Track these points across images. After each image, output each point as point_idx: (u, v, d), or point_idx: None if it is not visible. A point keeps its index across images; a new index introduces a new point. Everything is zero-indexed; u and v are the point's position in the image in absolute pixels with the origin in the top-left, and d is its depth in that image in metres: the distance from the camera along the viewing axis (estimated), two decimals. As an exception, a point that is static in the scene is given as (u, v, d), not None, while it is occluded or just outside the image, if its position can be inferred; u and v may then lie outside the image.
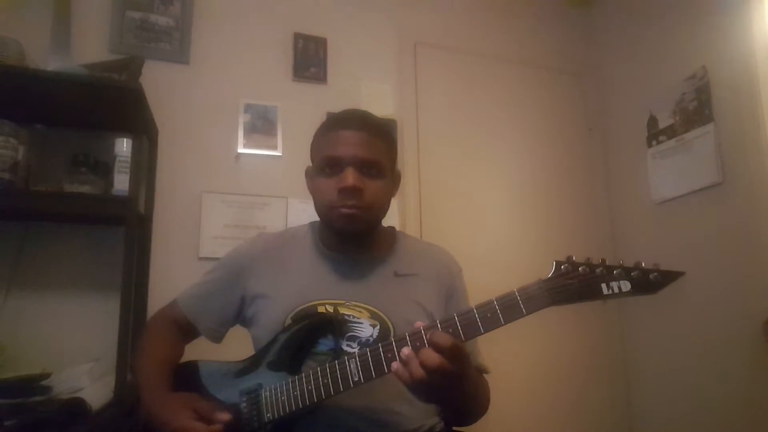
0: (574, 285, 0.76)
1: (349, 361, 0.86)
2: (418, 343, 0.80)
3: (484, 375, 1.09)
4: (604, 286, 0.75)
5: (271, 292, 1.05)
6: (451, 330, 0.80)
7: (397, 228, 1.18)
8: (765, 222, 1.79)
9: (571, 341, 2.30)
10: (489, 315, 0.79)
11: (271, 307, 1.04)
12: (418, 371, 0.76)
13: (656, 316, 2.18)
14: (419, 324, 0.83)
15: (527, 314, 0.78)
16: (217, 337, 1.12)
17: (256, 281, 1.08)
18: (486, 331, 0.80)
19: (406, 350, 0.79)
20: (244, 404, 0.96)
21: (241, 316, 1.11)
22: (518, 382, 2.14)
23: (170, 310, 1.15)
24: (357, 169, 0.98)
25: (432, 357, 0.76)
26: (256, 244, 1.14)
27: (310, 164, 1.09)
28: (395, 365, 0.79)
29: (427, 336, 0.79)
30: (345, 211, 0.98)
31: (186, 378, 1.03)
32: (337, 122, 1.02)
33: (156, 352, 1.08)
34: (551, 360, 2.26)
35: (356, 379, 0.86)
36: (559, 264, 0.77)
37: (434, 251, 1.17)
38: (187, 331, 1.13)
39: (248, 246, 1.14)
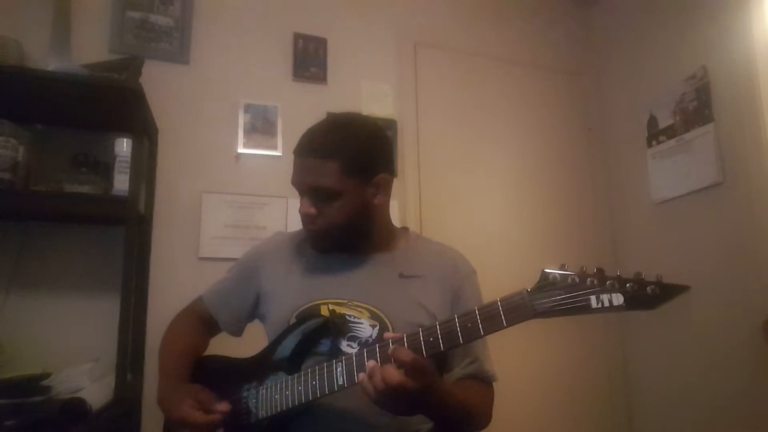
0: (560, 297, 0.71)
1: (336, 365, 0.87)
2: (385, 355, 0.80)
3: (492, 383, 1.07)
4: (593, 298, 0.69)
5: (279, 290, 1.09)
6: (431, 338, 0.79)
7: (397, 227, 1.18)
8: (765, 222, 1.79)
9: (570, 340, 2.30)
10: (469, 325, 0.77)
11: (278, 305, 1.07)
12: (380, 385, 0.76)
13: (656, 315, 2.17)
14: (387, 335, 0.84)
15: (508, 326, 0.75)
16: (235, 331, 1.18)
17: (267, 279, 1.12)
18: (465, 342, 0.78)
19: (371, 363, 0.80)
20: (244, 400, 0.99)
21: (256, 313, 1.15)
22: (516, 386, 2.13)
23: (196, 305, 1.22)
24: (310, 195, 1.01)
25: (392, 374, 0.76)
26: (271, 242, 1.20)
27: None
28: (362, 376, 0.80)
29: (390, 351, 0.79)
30: (306, 233, 1.07)
31: (202, 371, 1.09)
32: (296, 146, 1.05)
33: (177, 343, 1.14)
34: (549, 363, 2.26)
35: (341, 382, 0.86)
36: (546, 273, 0.72)
37: (445, 253, 1.15)
38: (210, 325, 1.19)
39: (264, 244, 1.20)
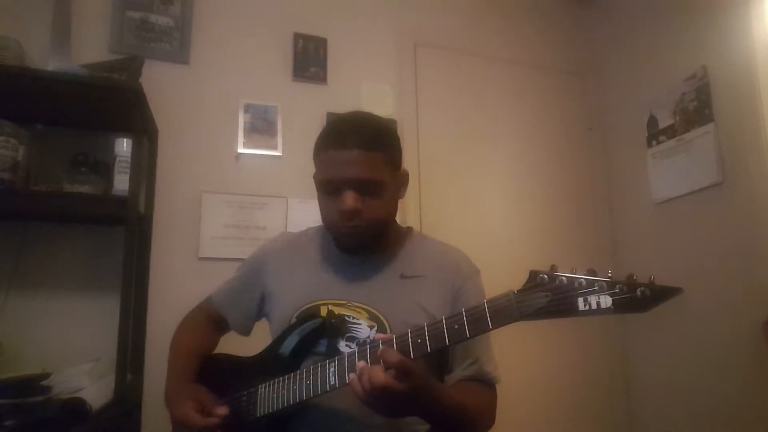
0: (547, 299, 0.70)
1: (329, 365, 0.88)
2: (375, 357, 0.81)
3: (496, 385, 1.05)
4: (580, 301, 0.68)
5: (282, 290, 1.09)
6: (419, 340, 0.79)
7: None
8: (765, 222, 1.79)
9: (570, 341, 2.30)
10: (456, 327, 0.77)
11: (280, 305, 1.08)
12: (367, 386, 0.76)
13: (656, 316, 2.17)
14: (378, 336, 0.84)
15: (493, 328, 0.75)
16: (244, 330, 1.19)
17: (271, 278, 1.12)
18: (452, 343, 0.78)
19: (361, 364, 0.80)
20: (244, 399, 1.00)
21: (262, 312, 1.16)
22: (517, 387, 2.11)
23: (205, 304, 1.22)
24: (355, 189, 0.96)
25: (377, 375, 0.76)
26: (275, 242, 1.20)
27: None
28: (352, 377, 0.80)
29: (379, 352, 0.79)
30: (345, 231, 1.00)
31: (208, 369, 1.11)
32: (332, 139, 0.98)
33: (185, 342, 1.15)
34: (550, 364, 2.26)
35: (332, 382, 0.87)
36: (534, 274, 0.72)
37: (447, 253, 1.13)
38: (220, 324, 1.20)
39: (269, 244, 1.20)
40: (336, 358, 0.88)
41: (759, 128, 1.81)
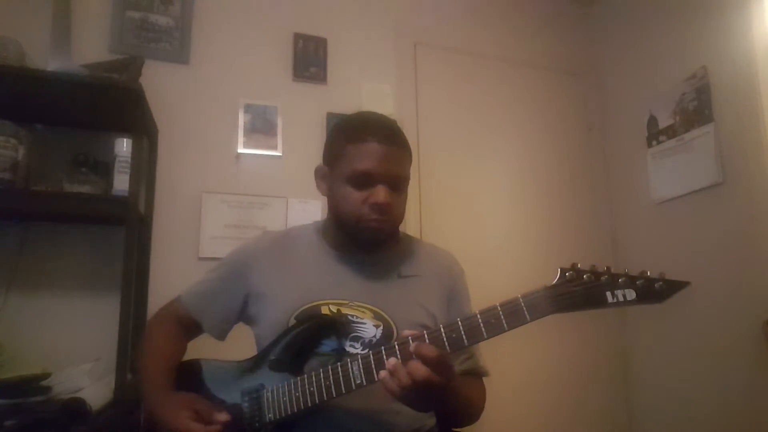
0: (579, 292, 0.76)
1: (351, 364, 0.87)
2: (406, 352, 0.81)
3: (484, 378, 1.09)
4: (608, 294, 0.75)
5: (274, 291, 1.06)
6: (454, 335, 0.81)
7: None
8: (765, 222, 1.79)
9: (570, 340, 2.30)
10: (492, 321, 0.80)
11: (273, 307, 1.04)
12: (406, 381, 0.77)
13: (656, 316, 2.18)
14: (406, 332, 0.84)
15: (531, 321, 0.78)
16: (221, 334, 1.13)
17: (259, 279, 1.08)
18: (489, 337, 0.81)
19: (392, 361, 0.80)
20: (246, 404, 0.97)
21: (244, 315, 1.11)
22: (517, 385, 2.13)
23: (174, 307, 1.15)
24: (387, 184, 0.98)
25: (419, 369, 0.77)
26: (260, 242, 1.15)
27: (321, 164, 1.09)
28: (383, 374, 0.80)
29: (413, 347, 0.79)
30: (373, 224, 0.99)
31: (188, 377, 1.04)
32: (367, 132, 0.99)
33: (159, 349, 1.09)
34: (550, 362, 2.26)
35: (358, 381, 0.86)
36: (563, 271, 0.77)
37: (437, 253, 1.17)
38: (190, 328, 1.14)
39: (253, 244, 1.15)
40: (359, 356, 0.87)
41: (759, 128, 1.81)
